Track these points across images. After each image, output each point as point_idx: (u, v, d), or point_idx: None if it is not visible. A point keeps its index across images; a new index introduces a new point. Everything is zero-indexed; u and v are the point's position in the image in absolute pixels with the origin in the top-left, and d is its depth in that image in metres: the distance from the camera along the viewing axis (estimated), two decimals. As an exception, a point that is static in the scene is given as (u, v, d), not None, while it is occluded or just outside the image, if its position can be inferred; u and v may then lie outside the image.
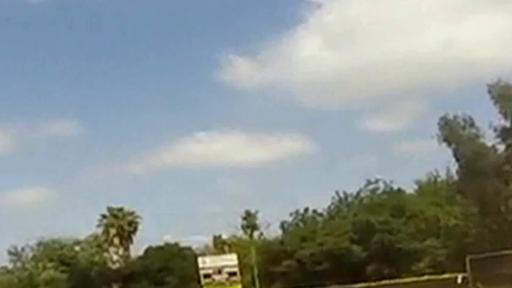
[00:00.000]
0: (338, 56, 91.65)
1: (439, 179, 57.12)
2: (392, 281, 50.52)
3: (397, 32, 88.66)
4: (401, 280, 50.40)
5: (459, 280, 45.87)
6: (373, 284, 51.96)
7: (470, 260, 45.31)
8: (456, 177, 49.68)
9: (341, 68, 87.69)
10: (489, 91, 45.88)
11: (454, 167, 49.44)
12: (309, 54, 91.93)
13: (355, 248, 56.64)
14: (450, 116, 48.31)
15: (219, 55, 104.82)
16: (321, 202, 65.62)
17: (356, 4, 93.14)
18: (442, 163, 51.67)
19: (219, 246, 69.31)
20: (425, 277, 49.79)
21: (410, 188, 60.93)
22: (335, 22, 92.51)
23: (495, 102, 45.62)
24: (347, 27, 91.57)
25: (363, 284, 52.66)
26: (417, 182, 59.92)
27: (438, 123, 48.48)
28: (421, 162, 76.66)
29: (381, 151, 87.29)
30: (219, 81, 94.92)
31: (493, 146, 46.76)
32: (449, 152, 48.39)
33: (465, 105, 61.67)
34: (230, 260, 55.44)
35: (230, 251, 61.39)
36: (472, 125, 47.56)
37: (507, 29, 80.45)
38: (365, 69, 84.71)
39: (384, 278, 51.64)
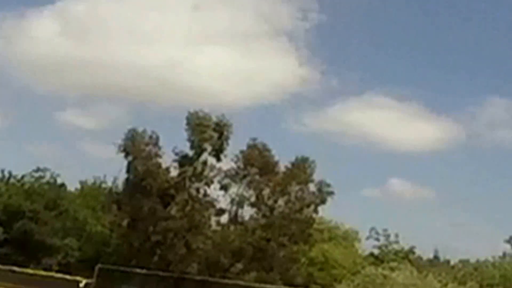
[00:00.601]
0: (68, 45, 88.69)
1: (104, 185, 56.38)
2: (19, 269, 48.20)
3: (136, 40, 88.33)
4: (25, 270, 48.41)
5: (81, 285, 44.84)
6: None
7: (100, 269, 44.53)
8: (120, 188, 49.16)
9: (66, 57, 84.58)
10: (187, 118, 46.77)
11: (123, 178, 48.95)
12: (41, 35, 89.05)
13: (-3, 229, 54.23)
14: (139, 130, 48.27)
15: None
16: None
17: (108, 1, 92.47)
18: (115, 171, 51.10)
19: None
20: (50, 274, 48.10)
21: (73, 187, 60.05)
22: (80, 11, 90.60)
23: (189, 129, 46.54)
24: (91, 20, 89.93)
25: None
26: (82, 183, 58.82)
27: (125, 134, 48.18)
28: (98, 165, 78.34)
29: (67, 144, 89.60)
30: None
31: (167, 169, 47.10)
32: (125, 163, 48.11)
33: (165, 125, 64.22)
34: None
35: None
36: (156, 144, 47.67)
37: (238, 66, 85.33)
38: (88, 64, 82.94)
39: (14, 264, 48.99)
